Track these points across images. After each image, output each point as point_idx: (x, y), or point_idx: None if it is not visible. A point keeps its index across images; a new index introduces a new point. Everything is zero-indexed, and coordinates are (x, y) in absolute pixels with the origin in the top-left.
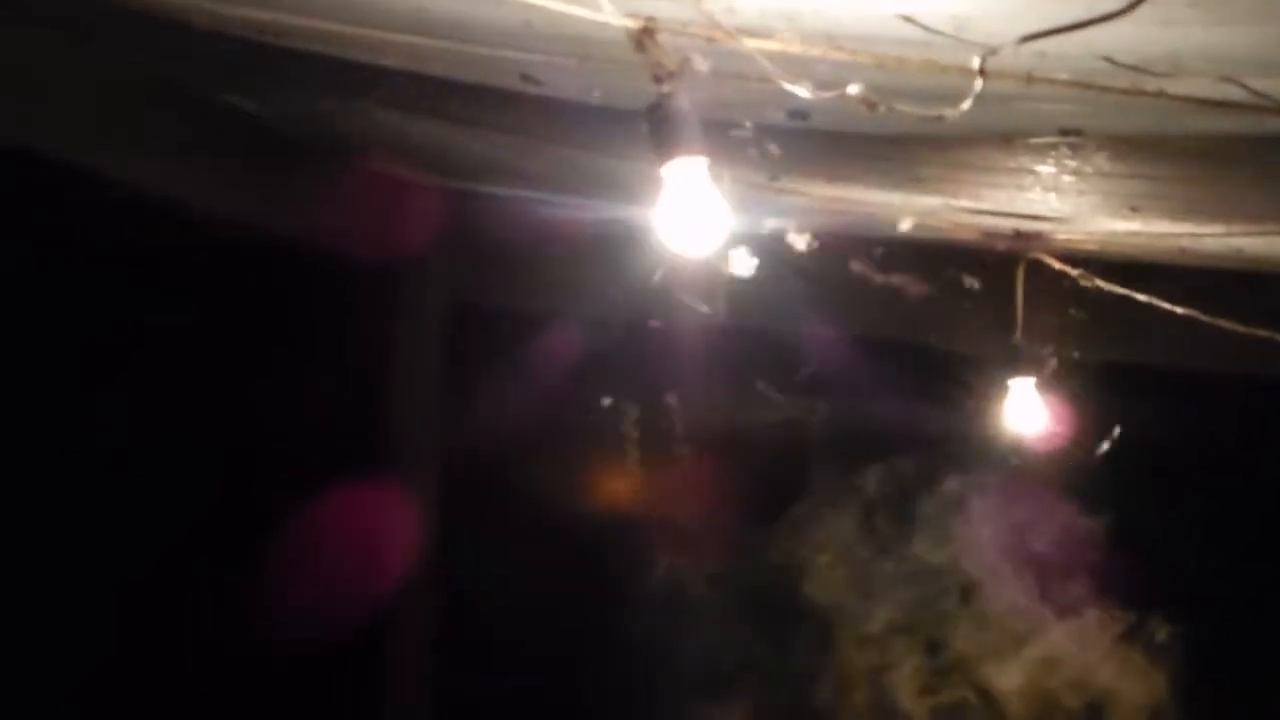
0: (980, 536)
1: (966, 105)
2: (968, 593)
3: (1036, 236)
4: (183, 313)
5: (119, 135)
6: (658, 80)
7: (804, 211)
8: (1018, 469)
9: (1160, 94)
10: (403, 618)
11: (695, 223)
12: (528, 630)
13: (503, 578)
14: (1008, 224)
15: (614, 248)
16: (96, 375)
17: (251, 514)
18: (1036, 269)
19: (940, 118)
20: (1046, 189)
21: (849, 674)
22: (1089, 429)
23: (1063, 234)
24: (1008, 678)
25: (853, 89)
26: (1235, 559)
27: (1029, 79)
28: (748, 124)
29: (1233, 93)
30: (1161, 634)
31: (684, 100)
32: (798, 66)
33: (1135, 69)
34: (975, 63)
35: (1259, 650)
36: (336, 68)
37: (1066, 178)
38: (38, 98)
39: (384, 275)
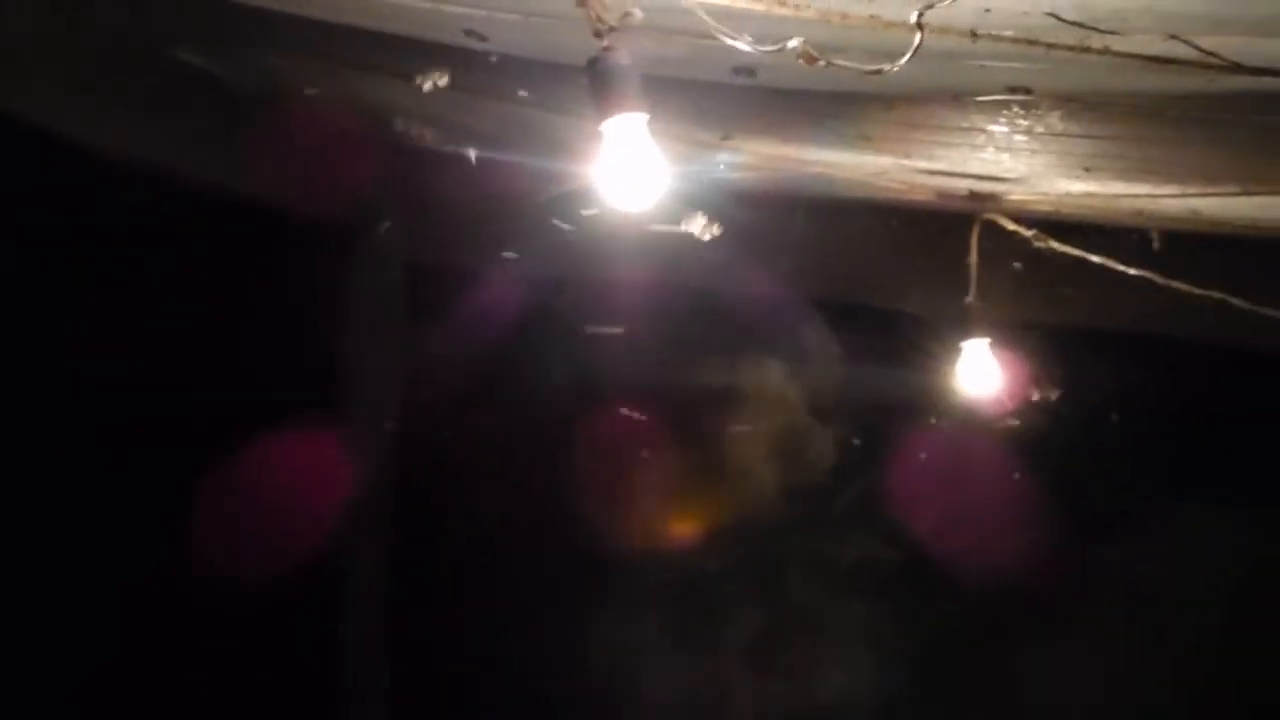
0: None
1: (905, 60)
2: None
3: (990, 197)
4: (138, 264)
5: (69, 92)
6: (598, 35)
7: (756, 169)
8: (968, 427)
9: (1106, 51)
10: (358, 555)
11: (635, 179)
12: (479, 567)
13: (454, 517)
14: (961, 184)
15: (559, 204)
16: (52, 323)
17: (205, 457)
18: (991, 230)
19: (880, 72)
20: (1000, 149)
21: None
22: (1043, 390)
23: (1017, 195)
24: None
25: (793, 43)
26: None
27: (973, 35)
28: (695, 81)
29: (1180, 50)
30: None
31: (624, 56)
32: (741, 22)
33: (1081, 26)
34: (913, 17)
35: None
36: (289, 24)
37: (1019, 137)
38: None
39: (337, 230)
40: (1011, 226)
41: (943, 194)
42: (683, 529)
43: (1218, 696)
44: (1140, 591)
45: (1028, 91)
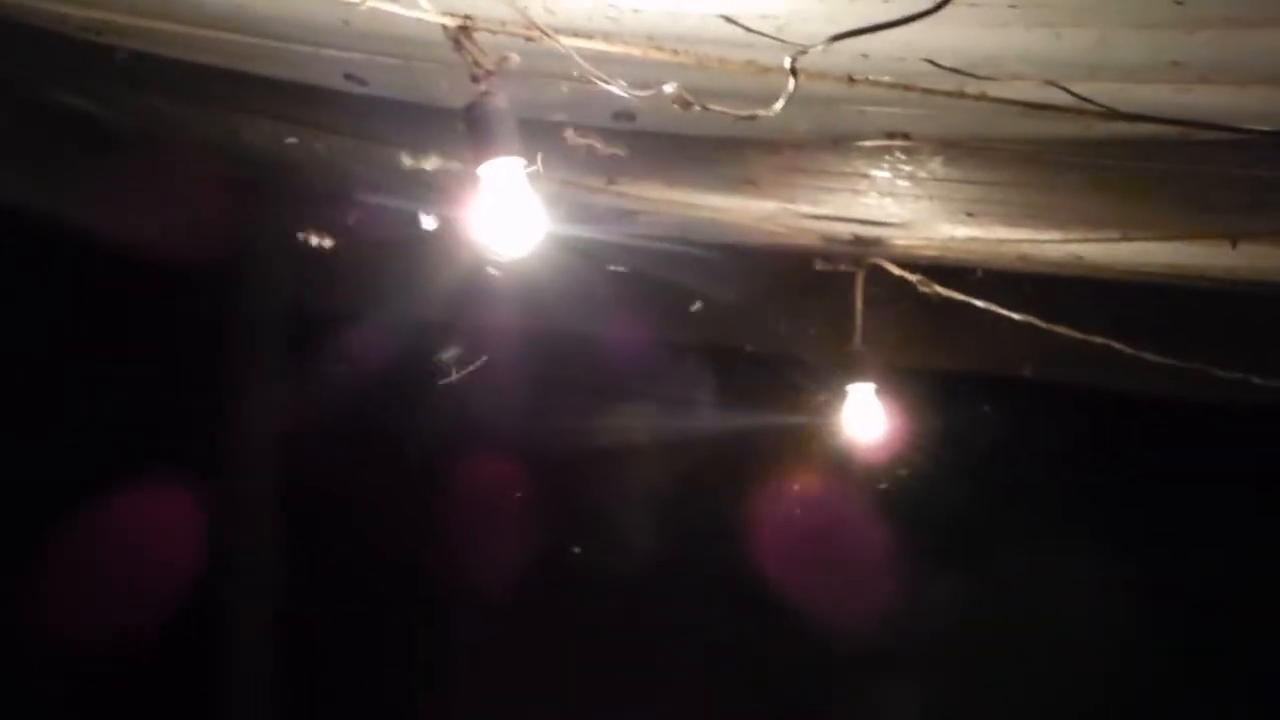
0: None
1: (779, 105)
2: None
3: (875, 242)
4: (12, 311)
5: None
6: (475, 79)
7: (642, 215)
8: (851, 474)
9: (983, 97)
10: (237, 607)
11: (512, 223)
12: (360, 622)
13: (339, 567)
14: (846, 229)
15: (434, 248)
16: None
17: (78, 508)
18: (876, 275)
19: (754, 117)
20: (883, 194)
21: None
22: (927, 435)
23: (902, 240)
24: None
25: (668, 88)
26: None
27: (850, 80)
28: (576, 126)
29: (1056, 96)
30: None
31: (502, 100)
32: (619, 67)
33: (957, 71)
34: (787, 63)
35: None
36: (170, 66)
37: (902, 182)
38: None
39: (216, 274)
40: (897, 271)
41: (828, 238)
42: (554, 576)
43: None
44: (1022, 634)
45: (906, 137)
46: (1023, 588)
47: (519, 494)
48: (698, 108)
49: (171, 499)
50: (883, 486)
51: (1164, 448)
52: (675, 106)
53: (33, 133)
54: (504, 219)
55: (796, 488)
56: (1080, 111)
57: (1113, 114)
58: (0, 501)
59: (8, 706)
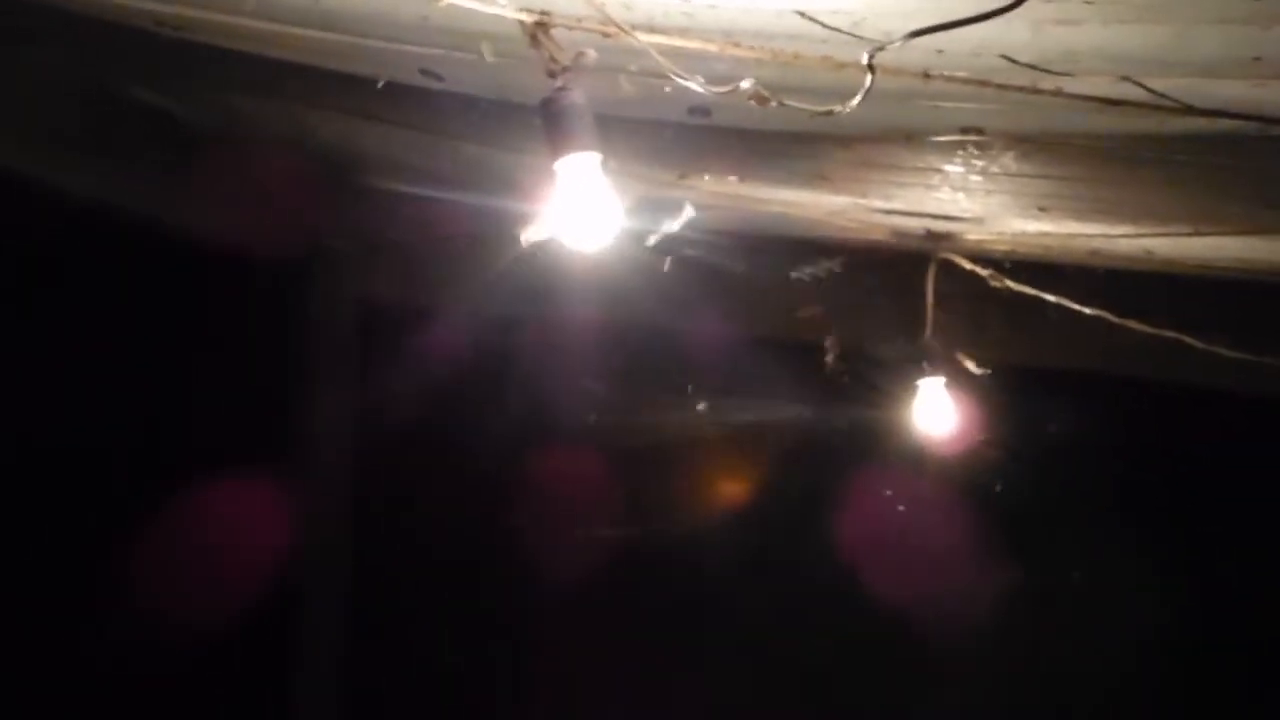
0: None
1: (856, 101)
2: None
3: (947, 236)
4: (87, 303)
5: (19, 130)
6: (551, 75)
7: (713, 209)
8: (922, 468)
9: (1059, 93)
10: (314, 602)
11: (589, 218)
12: (436, 614)
13: (411, 563)
14: (918, 224)
15: (511, 244)
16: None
17: (157, 501)
18: (947, 269)
19: (831, 113)
20: (955, 188)
21: None
22: (998, 429)
23: (973, 234)
24: None
25: (745, 84)
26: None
27: (926, 76)
28: (651, 121)
29: (1131, 92)
30: None
31: (578, 95)
32: (695, 63)
33: (1033, 67)
34: (864, 58)
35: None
36: (247, 63)
37: (974, 177)
38: None
39: (292, 269)
40: (968, 266)
41: (899, 233)
42: (628, 570)
43: None
44: (1091, 628)
45: (980, 132)
46: (1090, 580)
47: (594, 488)
48: (775, 104)
49: (250, 491)
50: (953, 479)
51: (1235, 442)
52: (752, 103)
53: (114, 130)
54: (580, 214)
55: (869, 480)
56: (1155, 107)
57: (1188, 109)
58: (88, 492)
59: (102, 689)
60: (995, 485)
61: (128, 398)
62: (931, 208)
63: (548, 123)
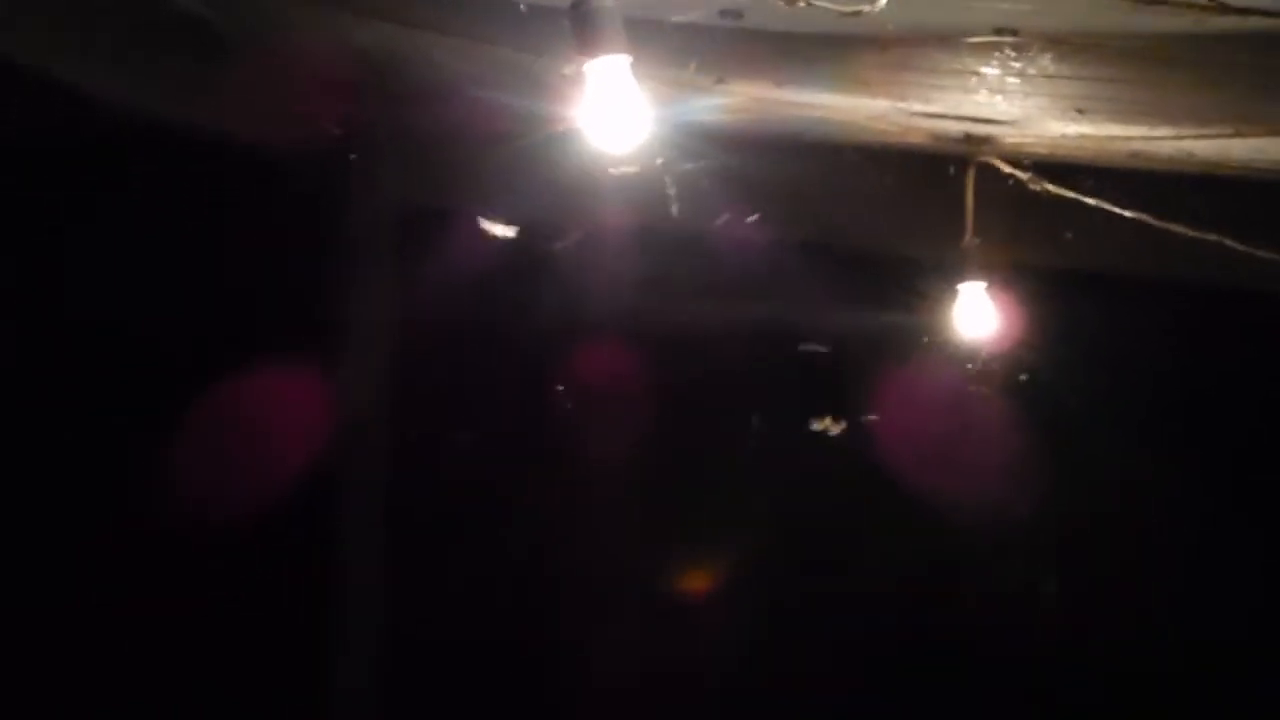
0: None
1: (883, 2)
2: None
3: (986, 140)
4: (127, 202)
5: (48, 31)
6: None
7: (750, 113)
8: (964, 370)
9: None
10: (354, 489)
11: (619, 121)
12: (472, 506)
13: (448, 458)
14: (957, 127)
15: (547, 148)
16: (30, 255)
17: (198, 390)
18: (987, 172)
19: (859, 13)
20: (993, 91)
21: None
22: (1040, 332)
23: (1013, 137)
24: None
25: None
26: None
27: None
28: (684, 23)
29: None
30: None
31: None
32: None
33: None
34: None
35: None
36: None
37: (1011, 79)
38: None
39: (328, 169)
40: (1007, 169)
41: (938, 137)
42: (670, 467)
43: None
44: (1126, 534)
45: (1015, 33)
46: (1131, 490)
47: (628, 390)
48: (803, 3)
49: (288, 384)
50: (994, 382)
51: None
52: (780, 2)
53: (148, 37)
54: (610, 117)
55: (908, 384)
56: (1190, 5)
57: (1223, 7)
58: (128, 384)
59: (138, 574)
60: (1035, 389)
61: (169, 292)
62: (969, 111)
63: (576, 25)
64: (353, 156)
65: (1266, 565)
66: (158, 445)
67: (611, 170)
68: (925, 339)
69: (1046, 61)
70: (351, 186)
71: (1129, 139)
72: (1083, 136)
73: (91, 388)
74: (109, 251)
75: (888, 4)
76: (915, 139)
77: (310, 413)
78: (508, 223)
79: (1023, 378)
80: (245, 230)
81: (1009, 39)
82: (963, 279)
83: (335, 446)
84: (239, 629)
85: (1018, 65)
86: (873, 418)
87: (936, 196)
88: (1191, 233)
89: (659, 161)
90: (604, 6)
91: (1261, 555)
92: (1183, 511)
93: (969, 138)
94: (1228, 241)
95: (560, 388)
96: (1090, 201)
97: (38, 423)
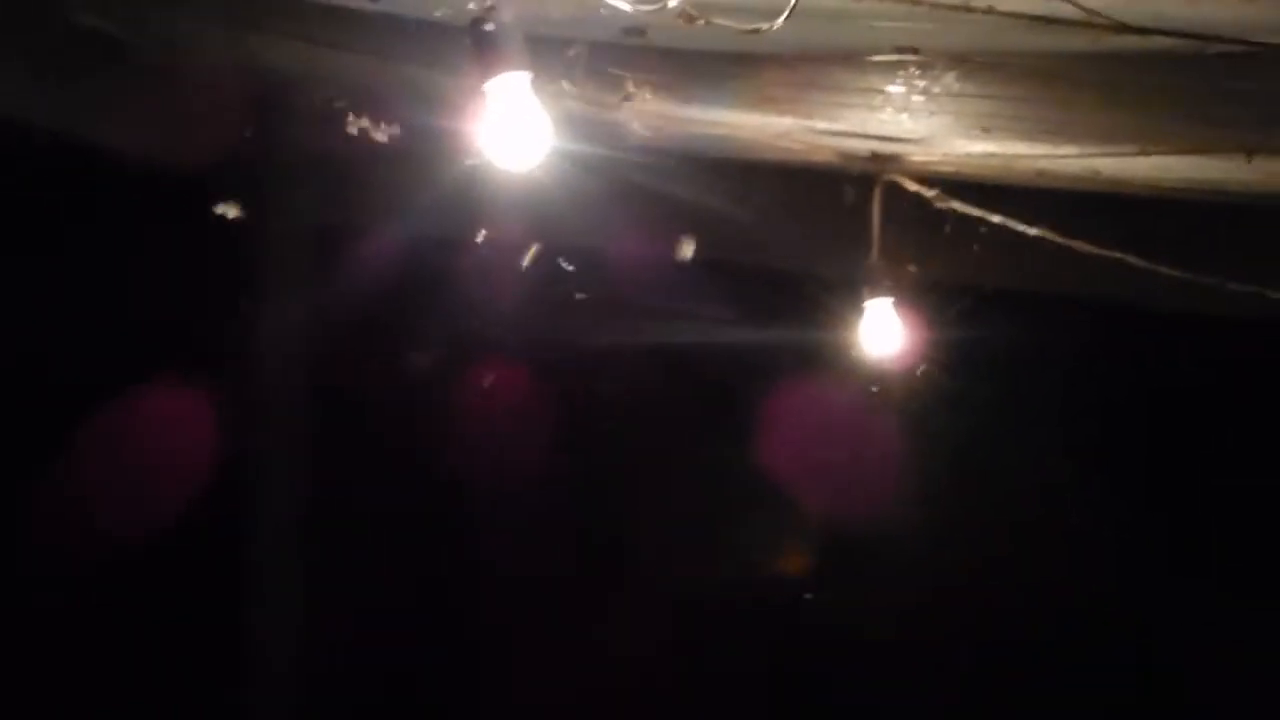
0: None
1: (782, 20)
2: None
3: (892, 158)
4: (42, 226)
5: None
6: None
7: (657, 131)
8: (868, 387)
9: (990, 10)
10: (263, 514)
11: (519, 137)
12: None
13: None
14: (863, 145)
15: (444, 163)
16: None
17: (101, 419)
18: (893, 190)
19: (757, 31)
20: (898, 109)
21: None
22: (944, 349)
23: (919, 156)
24: None
25: (673, 2)
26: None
27: None
28: (588, 40)
29: (1063, 9)
30: None
31: (506, 15)
32: None
33: None
34: None
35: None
36: None
37: (917, 98)
38: None
39: (235, 190)
40: (914, 187)
41: (845, 155)
42: (557, 486)
43: None
44: (1022, 541)
45: (915, 51)
46: (1030, 500)
47: (526, 405)
48: (703, 22)
49: (198, 402)
50: (898, 399)
51: (1177, 361)
52: (680, 22)
53: (61, 55)
54: (511, 133)
55: (812, 401)
56: (1089, 25)
57: (1122, 27)
58: (36, 404)
59: (26, 602)
60: (938, 405)
61: (70, 311)
62: (875, 129)
63: (477, 43)
64: (260, 173)
65: (1176, 569)
66: (62, 464)
67: (512, 187)
68: (831, 355)
69: (951, 80)
70: (258, 204)
71: (1035, 157)
72: (988, 155)
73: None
74: (18, 271)
75: (789, 23)
76: (821, 157)
77: (218, 430)
78: (411, 237)
79: (927, 393)
80: (157, 247)
81: (911, 57)
82: (869, 295)
83: (247, 460)
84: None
85: (922, 84)
86: (774, 434)
87: (843, 214)
88: (1096, 250)
89: (560, 177)
90: (503, 24)
91: (1175, 563)
92: (1093, 522)
93: (875, 156)
94: (1131, 259)
95: (458, 403)
96: (996, 219)
97: None
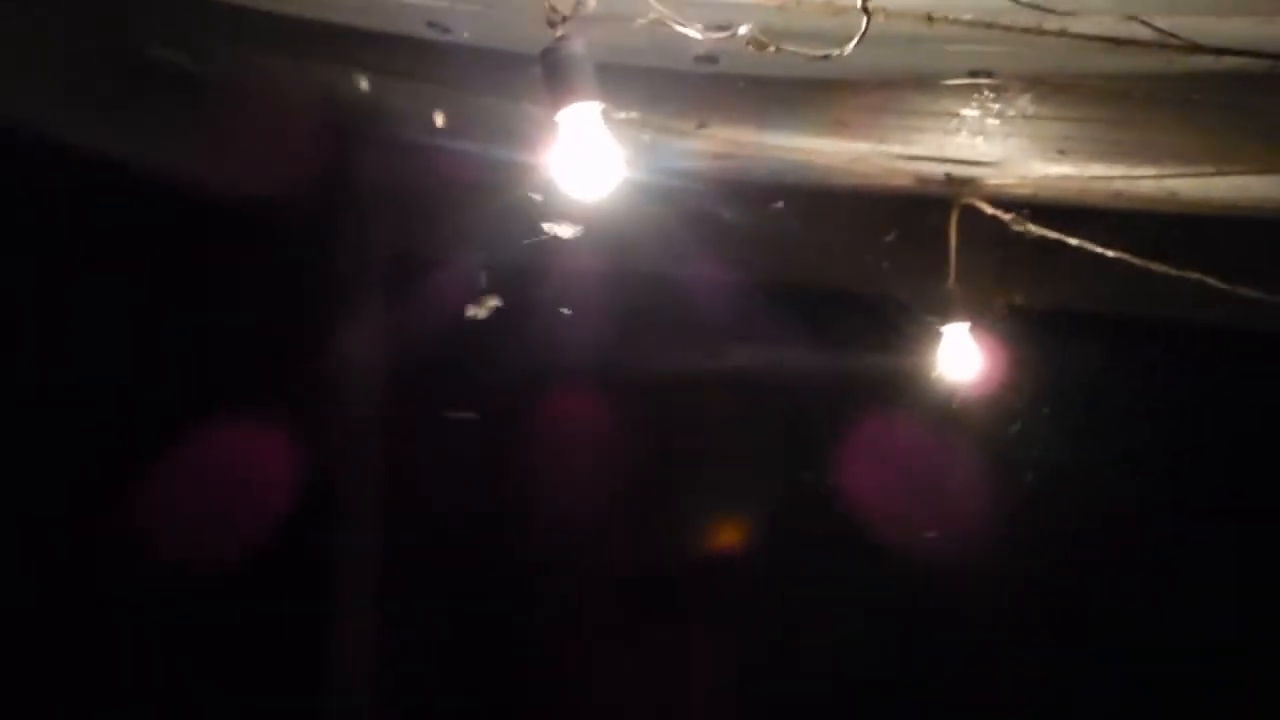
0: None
1: (853, 45)
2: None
3: (969, 182)
4: (113, 262)
5: (35, 91)
6: (551, 25)
7: (731, 157)
8: (947, 412)
9: (1064, 32)
10: (347, 547)
11: (592, 168)
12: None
13: (437, 505)
14: (939, 169)
15: (513, 194)
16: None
17: (183, 451)
18: (970, 214)
19: (828, 57)
20: (973, 133)
21: None
22: (1023, 374)
23: (995, 178)
24: None
25: (743, 30)
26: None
27: (929, 19)
28: (663, 69)
29: (1137, 31)
30: None
31: (578, 45)
32: (695, 10)
33: (1037, 7)
34: (859, 1)
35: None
36: (260, 19)
37: (991, 121)
38: None
39: (311, 224)
40: (990, 210)
41: (921, 179)
42: (653, 515)
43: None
44: (1101, 564)
45: (990, 74)
46: (1110, 525)
47: (606, 435)
48: (773, 49)
49: (279, 430)
50: (976, 424)
51: (1259, 382)
52: (751, 49)
53: (135, 89)
54: (580, 164)
55: (891, 426)
56: (1162, 46)
57: (1195, 47)
58: (122, 427)
59: (121, 621)
60: (1016, 429)
61: (153, 341)
62: (951, 153)
63: (548, 73)
64: (336, 206)
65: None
66: (147, 490)
67: (586, 217)
68: (909, 381)
69: (1025, 103)
70: (336, 235)
71: (1111, 179)
72: (1065, 177)
73: (79, 434)
74: (99, 301)
75: (862, 48)
76: (898, 181)
77: (299, 457)
78: (485, 269)
79: (1006, 418)
80: (232, 277)
81: (986, 80)
82: (946, 321)
83: (327, 488)
84: (231, 674)
85: (997, 107)
86: (851, 460)
87: (920, 238)
88: (1175, 272)
89: (633, 205)
90: (575, 53)
91: (1259, 589)
92: (1175, 551)
93: (951, 179)
94: (1210, 280)
95: (534, 430)
96: (1074, 242)
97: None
